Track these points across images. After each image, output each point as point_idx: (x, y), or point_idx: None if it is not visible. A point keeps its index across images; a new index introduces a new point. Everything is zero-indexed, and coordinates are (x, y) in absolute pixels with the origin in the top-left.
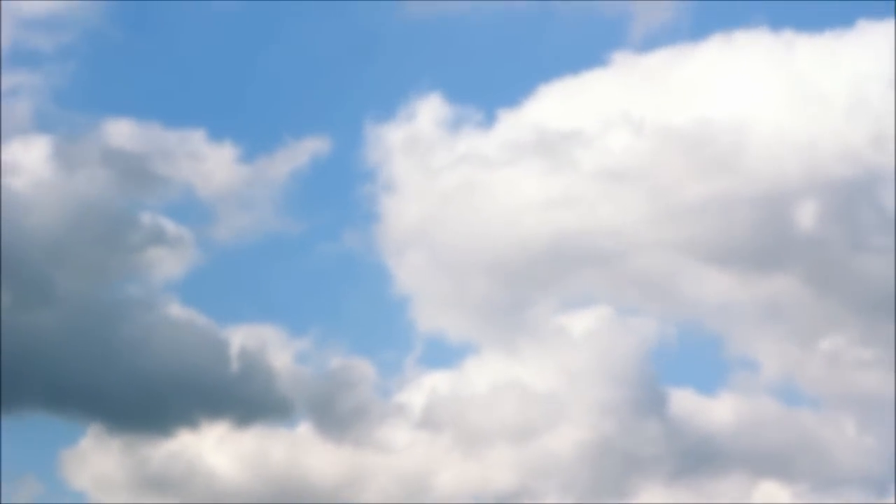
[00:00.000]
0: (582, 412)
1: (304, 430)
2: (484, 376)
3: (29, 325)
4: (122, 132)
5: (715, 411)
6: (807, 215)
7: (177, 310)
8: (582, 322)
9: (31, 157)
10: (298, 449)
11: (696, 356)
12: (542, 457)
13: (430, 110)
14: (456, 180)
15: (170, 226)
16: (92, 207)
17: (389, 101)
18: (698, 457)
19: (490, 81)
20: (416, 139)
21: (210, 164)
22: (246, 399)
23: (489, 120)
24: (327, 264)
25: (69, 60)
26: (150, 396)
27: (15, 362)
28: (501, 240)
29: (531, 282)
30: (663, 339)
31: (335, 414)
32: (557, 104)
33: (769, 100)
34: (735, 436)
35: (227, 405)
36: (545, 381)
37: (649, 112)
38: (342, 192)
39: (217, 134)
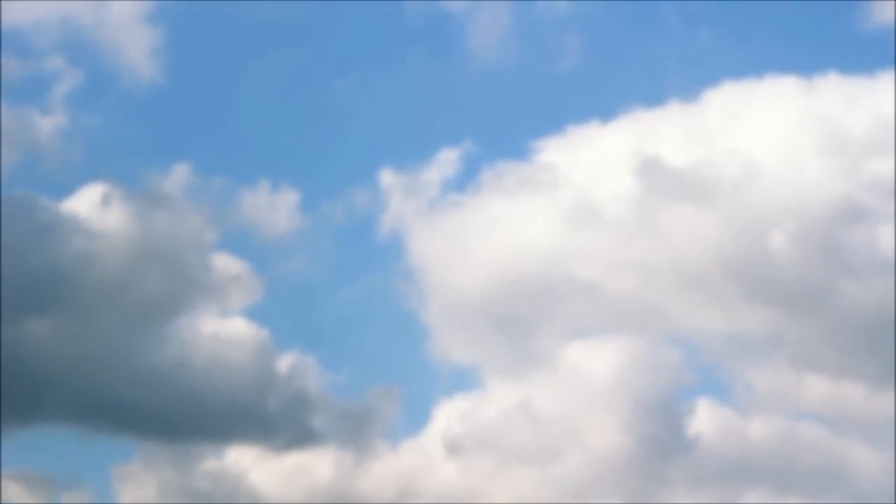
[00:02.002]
0: (601, 432)
1: (343, 452)
2: (503, 403)
3: (91, 353)
4: (185, 178)
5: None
6: (797, 250)
7: (230, 338)
8: (588, 349)
9: (96, 201)
10: (340, 470)
11: (699, 378)
12: (574, 475)
13: (451, 161)
14: (468, 222)
15: (232, 265)
16: (159, 246)
17: (415, 152)
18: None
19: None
20: (432, 187)
21: (273, 211)
22: (289, 422)
23: (506, 164)
24: (363, 303)
25: (135, 107)
26: (198, 418)
27: (76, 385)
28: (508, 275)
29: (538, 313)
30: (664, 364)
31: (372, 438)
32: (571, 150)
33: (781, 142)
34: (746, 452)
35: (271, 427)
36: (562, 406)
37: (661, 155)
38: (374, 237)
39: (277, 183)
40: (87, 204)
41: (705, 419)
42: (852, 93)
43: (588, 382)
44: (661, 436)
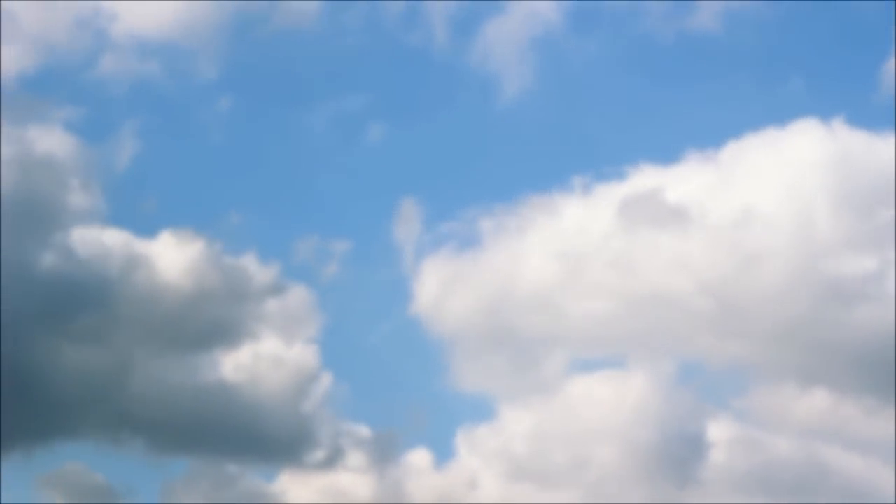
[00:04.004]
0: (615, 455)
1: (375, 475)
2: (518, 429)
3: (154, 375)
4: (242, 224)
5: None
6: (795, 282)
7: (278, 363)
8: (595, 378)
9: (165, 241)
10: (372, 492)
11: (704, 402)
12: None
13: (464, 207)
14: (477, 264)
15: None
16: (221, 281)
17: (437, 200)
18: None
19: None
20: (445, 234)
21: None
22: (327, 444)
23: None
24: (391, 339)
25: (197, 159)
26: (244, 439)
27: (127, 404)
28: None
29: (542, 341)
30: (669, 387)
31: (401, 462)
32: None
33: (789, 187)
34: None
35: (311, 449)
36: (574, 431)
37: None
38: (398, 280)
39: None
40: (155, 243)
41: (717, 440)
42: (866, 147)
43: (598, 408)
44: (674, 457)
